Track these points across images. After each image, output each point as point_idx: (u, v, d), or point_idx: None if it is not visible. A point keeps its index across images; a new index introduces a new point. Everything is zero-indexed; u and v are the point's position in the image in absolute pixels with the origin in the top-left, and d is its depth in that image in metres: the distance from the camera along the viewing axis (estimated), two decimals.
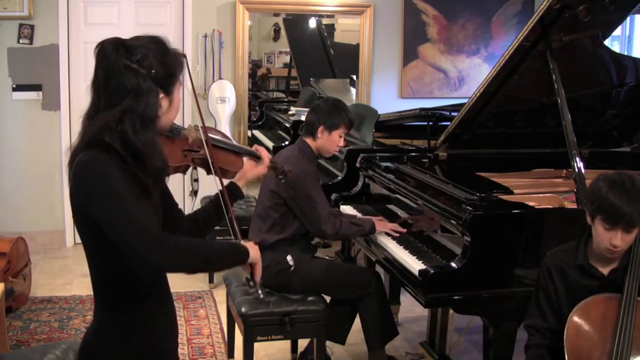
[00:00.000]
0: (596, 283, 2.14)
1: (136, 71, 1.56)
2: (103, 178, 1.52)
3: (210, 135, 1.91)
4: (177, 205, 1.88)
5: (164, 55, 1.62)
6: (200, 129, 1.88)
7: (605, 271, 2.15)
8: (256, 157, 2.06)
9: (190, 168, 1.94)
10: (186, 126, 1.88)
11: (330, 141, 3.13)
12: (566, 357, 2.04)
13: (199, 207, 2.01)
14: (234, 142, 2.08)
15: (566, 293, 2.17)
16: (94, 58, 1.59)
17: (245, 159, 2.05)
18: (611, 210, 2.01)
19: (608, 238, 2.05)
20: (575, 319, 2.08)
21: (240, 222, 4.59)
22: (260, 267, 1.81)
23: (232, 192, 1.98)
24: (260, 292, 1.86)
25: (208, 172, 1.92)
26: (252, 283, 1.82)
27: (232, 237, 1.88)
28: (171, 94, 1.65)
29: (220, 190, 1.93)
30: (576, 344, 2.04)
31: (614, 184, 2.04)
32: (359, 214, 3.34)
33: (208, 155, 1.86)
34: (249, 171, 2.05)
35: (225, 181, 2.00)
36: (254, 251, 1.78)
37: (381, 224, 3.08)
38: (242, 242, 1.78)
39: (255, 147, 2.11)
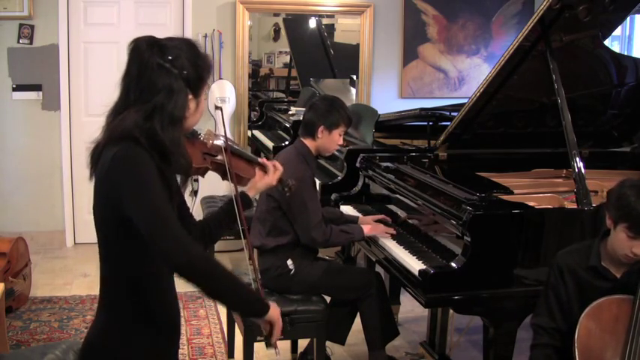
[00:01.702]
0: (608, 285, 2.13)
1: (168, 70, 1.60)
2: (140, 173, 1.55)
3: (229, 143, 1.97)
4: (191, 214, 1.92)
5: (196, 58, 1.66)
6: (221, 137, 1.94)
7: (617, 273, 2.14)
8: (265, 169, 2.11)
9: (207, 171, 1.99)
10: (204, 130, 1.94)
11: (331, 140, 3.11)
12: (576, 358, 2.03)
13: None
14: (247, 152, 2.15)
15: (576, 294, 2.17)
16: (127, 54, 1.63)
17: (257, 169, 2.10)
18: (637, 220, 2.01)
19: (630, 246, 2.05)
20: (587, 319, 2.07)
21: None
22: (279, 329, 1.77)
23: (243, 201, 2.02)
24: (277, 350, 1.83)
25: (224, 177, 1.97)
26: (268, 341, 1.80)
27: (242, 239, 1.91)
28: (199, 96, 1.69)
29: (235, 195, 1.96)
30: (587, 345, 2.04)
31: None
32: (359, 215, 3.34)
33: (227, 162, 1.92)
34: (259, 181, 2.10)
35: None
36: (275, 312, 1.75)
37: (370, 228, 3.07)
38: (268, 300, 1.77)
39: (264, 160, 2.15)
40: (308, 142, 3.13)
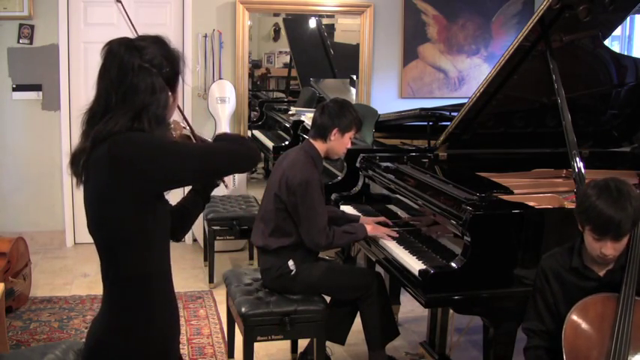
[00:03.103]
0: (593, 285, 2.14)
1: (149, 70, 1.62)
2: (151, 139, 1.60)
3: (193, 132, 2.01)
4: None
5: (169, 54, 1.68)
6: (182, 123, 1.97)
7: (600, 272, 2.15)
8: None
9: None
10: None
11: (342, 143, 3.11)
12: (564, 356, 2.04)
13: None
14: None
15: (563, 295, 2.17)
16: (102, 57, 1.63)
17: None
18: (599, 221, 2.01)
19: (598, 247, 2.05)
20: (574, 318, 2.08)
21: (241, 222, 4.63)
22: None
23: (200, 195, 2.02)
24: (226, 184, 2.03)
25: None
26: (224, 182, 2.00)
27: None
28: (176, 91, 1.72)
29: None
30: (574, 343, 2.05)
31: (602, 192, 2.02)
32: (360, 215, 3.33)
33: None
34: None
35: None
36: None
37: (373, 228, 3.06)
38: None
39: None
40: (318, 145, 3.11)
